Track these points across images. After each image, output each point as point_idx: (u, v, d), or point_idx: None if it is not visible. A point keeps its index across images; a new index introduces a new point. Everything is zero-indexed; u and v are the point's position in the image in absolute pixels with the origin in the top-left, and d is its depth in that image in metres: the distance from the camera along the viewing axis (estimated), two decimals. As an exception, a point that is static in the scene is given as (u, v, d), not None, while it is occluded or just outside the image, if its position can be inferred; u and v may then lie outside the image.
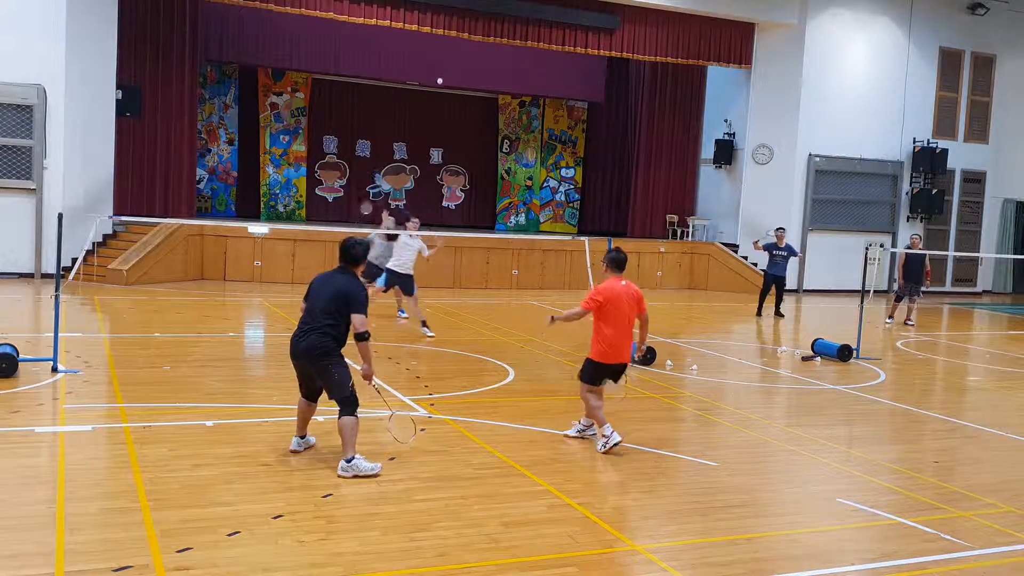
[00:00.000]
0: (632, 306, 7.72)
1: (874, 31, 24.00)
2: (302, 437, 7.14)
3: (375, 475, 6.51)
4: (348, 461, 6.55)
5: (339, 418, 6.67)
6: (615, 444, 7.47)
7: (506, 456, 7.25)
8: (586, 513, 6.08)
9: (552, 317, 8.08)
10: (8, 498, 5.80)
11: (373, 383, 7.01)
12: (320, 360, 6.70)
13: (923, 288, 18.04)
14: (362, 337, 6.71)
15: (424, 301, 17.20)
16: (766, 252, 18.20)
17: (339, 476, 6.47)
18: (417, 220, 14.32)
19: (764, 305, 18.19)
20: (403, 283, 13.73)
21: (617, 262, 7.81)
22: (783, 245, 18.12)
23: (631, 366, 7.37)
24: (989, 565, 5.63)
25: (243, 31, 21.99)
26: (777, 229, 18.58)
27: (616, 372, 7.82)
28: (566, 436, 7.96)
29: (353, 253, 6.92)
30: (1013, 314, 22.29)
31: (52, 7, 17.45)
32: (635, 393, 10.10)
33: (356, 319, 6.72)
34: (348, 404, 6.67)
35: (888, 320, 17.98)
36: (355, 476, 6.50)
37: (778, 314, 18.07)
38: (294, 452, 7.03)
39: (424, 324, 13.32)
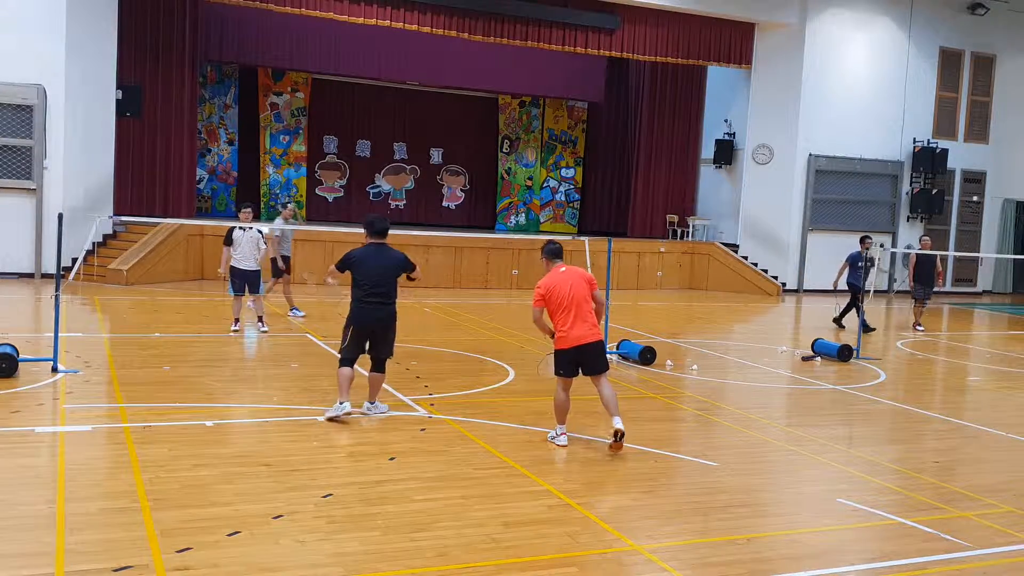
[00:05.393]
0: (581, 285, 7.60)
1: (874, 31, 24.00)
2: (341, 402, 8.05)
3: (386, 414, 8.28)
4: (372, 403, 8.31)
5: (375, 373, 8.24)
6: (559, 445, 7.58)
7: (506, 456, 7.25)
8: (586, 513, 6.08)
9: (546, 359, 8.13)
10: (8, 498, 5.80)
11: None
12: (391, 328, 8.25)
13: (934, 289, 17.50)
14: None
15: (424, 301, 17.19)
16: (847, 264, 16.47)
17: (364, 413, 8.19)
18: (249, 209, 13.34)
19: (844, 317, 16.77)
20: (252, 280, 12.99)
21: (553, 252, 7.87)
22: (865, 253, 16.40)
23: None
24: (989, 565, 5.62)
25: (243, 31, 22.01)
26: (864, 238, 16.74)
27: (581, 356, 7.53)
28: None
29: (387, 228, 8.38)
30: (1013, 314, 22.28)
31: (52, 7, 17.45)
32: (636, 393, 10.10)
33: (418, 272, 8.52)
34: (385, 363, 8.30)
35: (919, 327, 17.17)
36: (379, 414, 8.25)
37: (840, 324, 16.67)
38: (346, 415, 8.02)
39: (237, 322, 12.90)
